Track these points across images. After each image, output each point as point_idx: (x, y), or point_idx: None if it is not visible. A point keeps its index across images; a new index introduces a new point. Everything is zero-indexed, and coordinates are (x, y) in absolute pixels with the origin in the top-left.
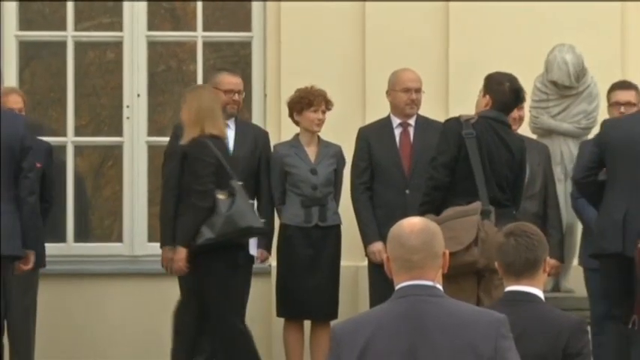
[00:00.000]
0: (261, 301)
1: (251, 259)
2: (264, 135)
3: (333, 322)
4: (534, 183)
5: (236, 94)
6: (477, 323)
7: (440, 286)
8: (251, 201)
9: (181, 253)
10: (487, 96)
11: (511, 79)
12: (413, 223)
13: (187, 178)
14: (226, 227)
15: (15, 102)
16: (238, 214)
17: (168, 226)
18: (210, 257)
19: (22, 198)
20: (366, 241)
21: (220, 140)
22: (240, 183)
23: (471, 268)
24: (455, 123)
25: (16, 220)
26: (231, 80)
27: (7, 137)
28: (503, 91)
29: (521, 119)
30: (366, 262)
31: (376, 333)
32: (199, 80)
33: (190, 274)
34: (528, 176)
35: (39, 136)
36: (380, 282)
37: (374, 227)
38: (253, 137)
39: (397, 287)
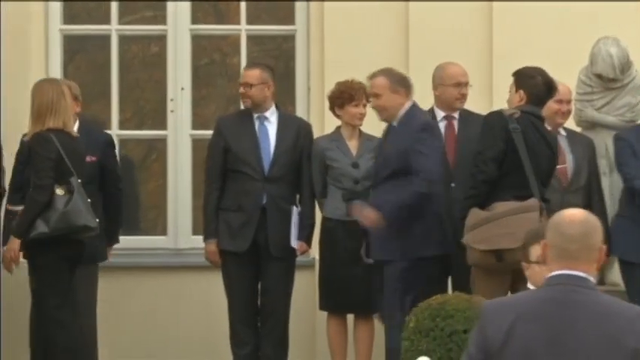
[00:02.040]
0: (304, 294)
1: (292, 251)
2: (306, 127)
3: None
4: (579, 176)
5: (241, 87)
6: (622, 316)
7: (593, 279)
8: (87, 200)
9: (14, 243)
10: (520, 91)
11: (542, 73)
12: (573, 213)
13: (29, 172)
14: (60, 223)
15: None
16: (74, 211)
17: (210, 219)
18: (42, 250)
19: None
20: None
21: (66, 134)
22: (79, 180)
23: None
24: (499, 117)
25: None
26: (245, 73)
27: None
28: (536, 85)
29: (568, 113)
30: None
31: (523, 317)
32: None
33: None
34: (573, 169)
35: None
36: (426, 275)
37: None
38: (296, 130)
39: (550, 275)
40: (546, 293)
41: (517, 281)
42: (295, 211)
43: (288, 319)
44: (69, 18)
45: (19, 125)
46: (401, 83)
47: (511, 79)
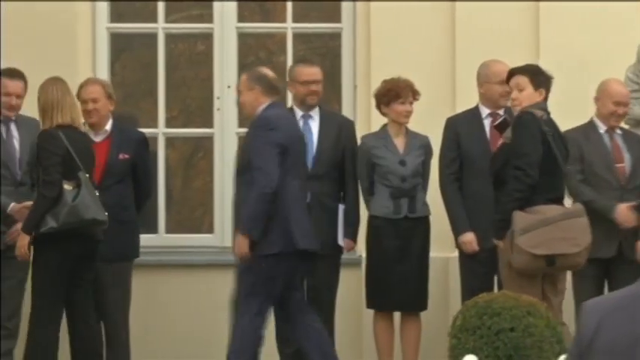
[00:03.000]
0: (351, 292)
1: (338, 249)
2: (348, 124)
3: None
4: (637, 174)
5: (313, 85)
6: None
7: None
8: (96, 193)
9: (24, 239)
10: (541, 89)
11: (544, 69)
12: None
13: (38, 169)
14: (69, 217)
15: (90, 92)
16: (82, 205)
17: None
18: (50, 247)
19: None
20: (457, 231)
21: (74, 130)
22: (87, 175)
23: (576, 268)
24: (533, 119)
25: None
26: (307, 71)
27: (305, 146)
28: (548, 82)
29: (624, 115)
30: (455, 253)
31: (613, 313)
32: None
33: None
34: (631, 168)
35: (131, 127)
36: (471, 273)
37: (464, 218)
38: (338, 127)
39: None
40: (637, 288)
41: (552, 282)
42: (341, 208)
43: (334, 317)
44: (116, 16)
45: None
46: (257, 81)
47: (559, 78)
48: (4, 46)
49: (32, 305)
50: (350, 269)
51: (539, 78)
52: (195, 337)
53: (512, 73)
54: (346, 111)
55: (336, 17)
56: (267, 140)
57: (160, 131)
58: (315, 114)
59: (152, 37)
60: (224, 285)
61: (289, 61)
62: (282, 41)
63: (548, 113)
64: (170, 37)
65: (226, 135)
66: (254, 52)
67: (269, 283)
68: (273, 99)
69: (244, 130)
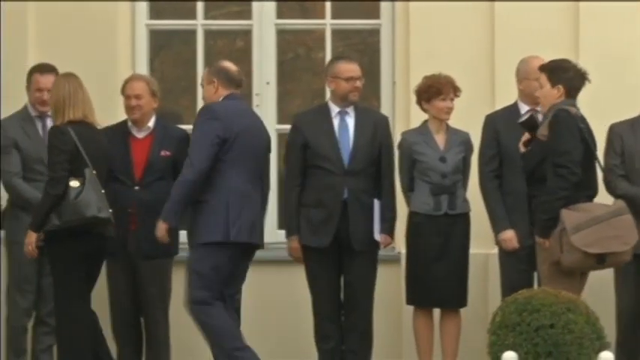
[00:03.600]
0: (390, 288)
1: (375, 244)
2: (384, 120)
3: None
4: None
5: (357, 81)
6: None
7: None
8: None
9: (31, 237)
10: (559, 86)
11: (573, 64)
12: None
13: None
14: (70, 215)
15: (134, 89)
16: (84, 203)
17: (292, 215)
18: (58, 243)
19: (263, 195)
20: (497, 229)
21: (85, 125)
22: (94, 171)
23: (621, 265)
24: (570, 116)
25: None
26: (350, 68)
27: (264, 137)
28: (572, 78)
29: None
30: (495, 250)
31: None
32: None
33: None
34: None
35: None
36: (511, 270)
37: (504, 215)
38: (373, 124)
39: None
40: None
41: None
42: (377, 203)
43: (372, 313)
44: (155, 13)
45: (111, 120)
46: (216, 74)
47: (598, 77)
48: (44, 43)
49: (55, 299)
50: (388, 265)
51: (558, 74)
52: None
53: (541, 69)
54: (385, 107)
55: (374, 14)
56: (204, 130)
57: None
58: (351, 110)
59: (191, 33)
60: (258, 281)
61: (328, 58)
62: (320, 38)
63: (578, 110)
64: (209, 34)
65: None
66: (292, 48)
67: (212, 272)
68: (232, 91)
69: (283, 126)
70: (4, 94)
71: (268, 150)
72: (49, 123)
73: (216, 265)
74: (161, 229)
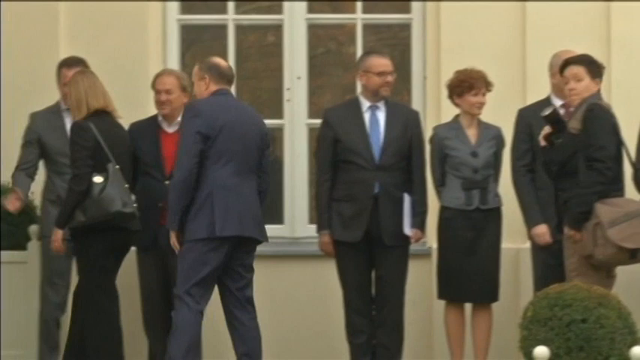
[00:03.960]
0: (421, 283)
1: (406, 239)
2: (414, 115)
3: None
4: None
5: (389, 76)
6: None
7: None
8: (127, 185)
9: (57, 234)
10: (597, 80)
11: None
12: None
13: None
14: (96, 211)
15: (164, 83)
16: (108, 198)
17: (323, 210)
18: (86, 239)
19: (261, 191)
20: (530, 223)
21: (106, 117)
22: (117, 166)
23: None
24: (604, 111)
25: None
26: (382, 62)
27: (256, 131)
28: (602, 73)
29: None
30: (527, 245)
31: None
32: None
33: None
34: None
35: None
36: (543, 264)
37: (537, 209)
38: (404, 118)
39: None
40: None
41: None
42: (407, 198)
43: (403, 308)
44: (186, 8)
45: (142, 115)
46: (208, 70)
47: (629, 70)
48: (75, 38)
49: (82, 292)
50: (419, 260)
51: (595, 68)
52: (264, 326)
53: (567, 63)
54: (416, 102)
55: (405, 8)
56: (187, 128)
57: None
58: (382, 105)
59: (222, 28)
60: (295, 276)
61: (359, 52)
62: (351, 32)
63: (608, 104)
64: (240, 29)
65: (296, 126)
66: (323, 43)
67: (200, 269)
68: (222, 87)
69: (314, 121)
70: (36, 90)
71: (264, 143)
72: (67, 118)
73: (204, 261)
74: (172, 238)
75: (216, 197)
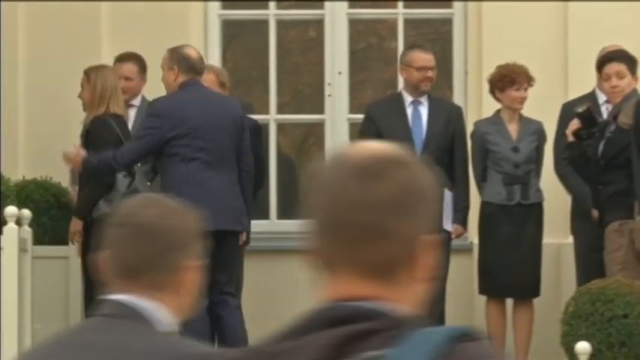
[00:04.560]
0: (462, 278)
1: (447, 235)
2: (457, 110)
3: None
4: None
5: (429, 71)
6: None
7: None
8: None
9: (77, 224)
10: (635, 75)
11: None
12: None
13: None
14: None
15: (203, 81)
16: (136, 194)
17: None
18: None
19: (244, 170)
20: (589, 205)
21: (121, 119)
22: (139, 164)
23: None
24: None
25: (240, 197)
26: (424, 57)
27: (229, 118)
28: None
29: None
30: (568, 240)
31: None
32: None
33: None
34: None
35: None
36: (585, 259)
37: (588, 194)
38: (446, 113)
39: None
40: None
41: None
42: (448, 194)
43: (445, 303)
44: (227, 3)
45: None
46: (177, 62)
47: None
48: (117, 35)
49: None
50: (461, 255)
51: (632, 63)
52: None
53: (608, 60)
54: (457, 97)
55: (447, 3)
56: (144, 124)
57: (271, 117)
58: (425, 100)
59: (263, 23)
60: None
61: (400, 47)
62: (392, 27)
63: None
64: (281, 24)
65: (337, 121)
66: (365, 38)
67: None
68: (192, 77)
69: (356, 116)
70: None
71: (239, 128)
72: (131, 112)
73: None
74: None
75: (183, 195)
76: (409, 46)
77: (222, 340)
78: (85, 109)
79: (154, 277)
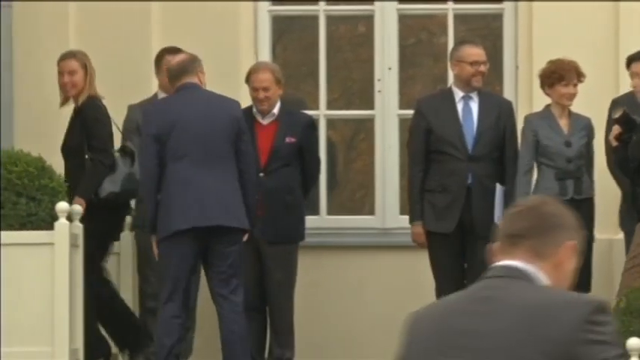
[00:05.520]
0: None
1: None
2: (507, 105)
3: None
4: None
5: (482, 65)
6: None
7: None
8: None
9: (82, 202)
10: None
11: None
12: None
13: (78, 138)
14: (128, 184)
15: (261, 81)
16: (137, 173)
17: (415, 201)
18: (105, 216)
19: (243, 171)
20: None
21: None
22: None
23: None
24: None
25: (238, 195)
26: (475, 52)
27: (225, 119)
28: None
29: None
30: (619, 235)
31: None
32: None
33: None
34: None
35: (299, 109)
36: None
37: None
38: (497, 108)
39: None
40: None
41: None
42: (499, 188)
43: None
44: None
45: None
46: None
47: None
48: (168, 29)
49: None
50: None
51: None
52: (356, 317)
53: (633, 59)
54: (508, 92)
55: None
56: (143, 131)
57: (321, 113)
58: (475, 95)
59: (313, 19)
60: (385, 266)
61: (450, 43)
62: (442, 22)
63: None
64: (331, 19)
65: (387, 116)
66: (414, 33)
67: (169, 268)
68: (184, 82)
69: (405, 111)
70: (131, 82)
71: (235, 128)
72: None
73: (169, 259)
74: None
75: (173, 193)
76: (459, 42)
77: (222, 340)
78: (69, 95)
79: (535, 245)
